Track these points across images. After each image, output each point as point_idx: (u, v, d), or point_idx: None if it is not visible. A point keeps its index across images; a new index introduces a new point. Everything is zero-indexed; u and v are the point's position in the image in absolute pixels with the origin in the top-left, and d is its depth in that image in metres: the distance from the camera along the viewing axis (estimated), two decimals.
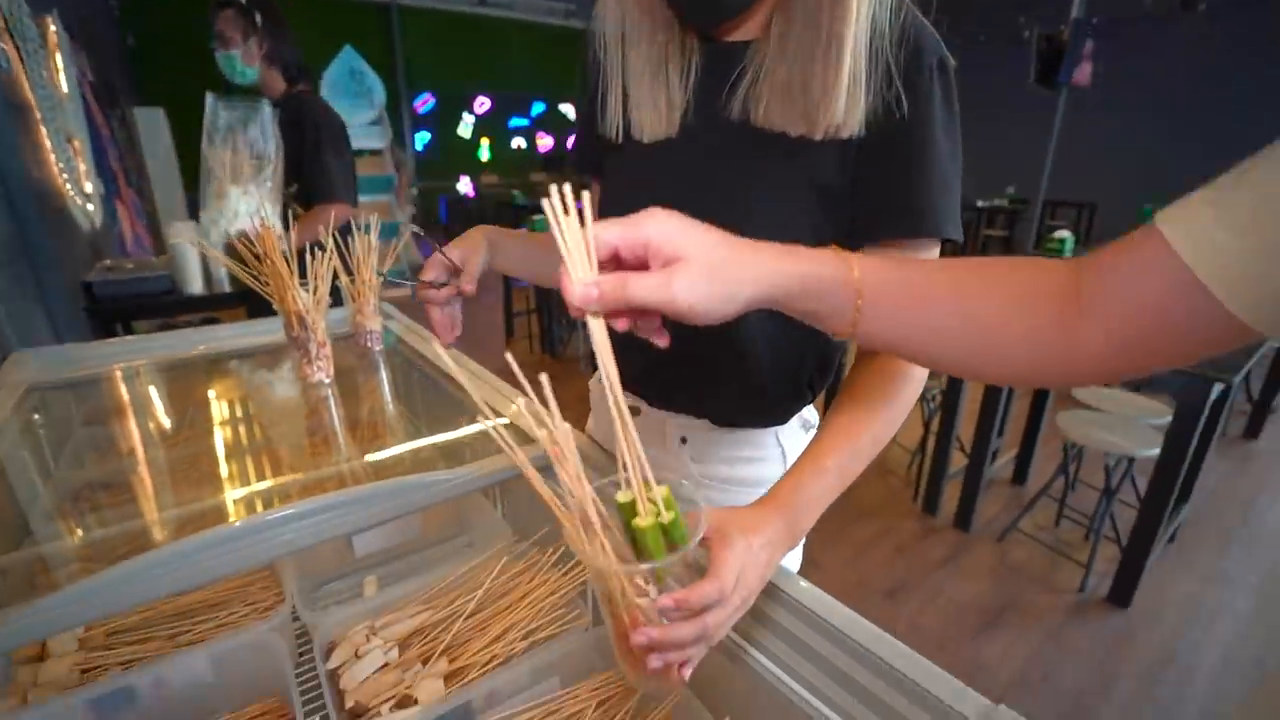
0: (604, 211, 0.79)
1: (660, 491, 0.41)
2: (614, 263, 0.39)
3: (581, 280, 0.37)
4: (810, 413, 0.79)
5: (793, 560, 0.81)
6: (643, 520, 0.40)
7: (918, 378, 0.62)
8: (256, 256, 1.04)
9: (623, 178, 0.74)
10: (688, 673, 0.45)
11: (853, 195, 0.60)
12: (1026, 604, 1.94)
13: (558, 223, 0.36)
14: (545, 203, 0.35)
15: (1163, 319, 0.35)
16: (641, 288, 0.36)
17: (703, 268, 0.37)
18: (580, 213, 0.36)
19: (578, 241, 0.36)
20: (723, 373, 0.72)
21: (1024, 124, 7.53)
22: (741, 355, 0.69)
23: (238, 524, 0.64)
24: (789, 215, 0.62)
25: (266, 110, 1.65)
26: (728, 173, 0.64)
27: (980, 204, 7.74)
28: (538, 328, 4.34)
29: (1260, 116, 7.21)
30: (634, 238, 0.37)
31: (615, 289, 0.36)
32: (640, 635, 0.41)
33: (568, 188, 0.36)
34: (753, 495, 0.75)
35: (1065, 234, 3.85)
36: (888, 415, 0.60)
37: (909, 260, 0.46)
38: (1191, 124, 7.53)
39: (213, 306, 2.25)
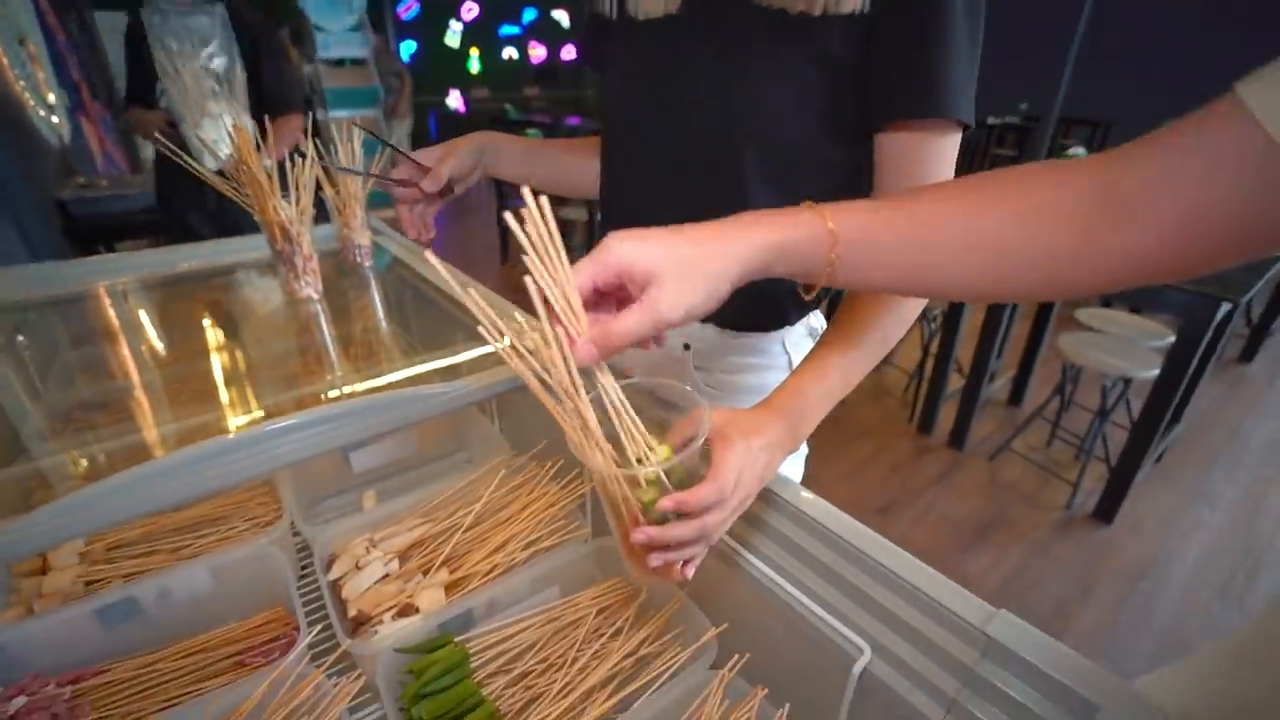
0: (605, 105, 0.75)
1: (660, 453, 0.42)
2: (595, 295, 0.40)
3: (577, 338, 0.39)
4: (817, 319, 0.77)
5: (795, 470, 0.81)
6: (645, 493, 0.41)
7: None
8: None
9: (619, 67, 0.69)
10: (691, 570, 0.45)
11: (865, 74, 0.56)
12: (1015, 520, 1.99)
13: (540, 274, 0.37)
14: (526, 245, 0.37)
15: (1235, 205, 0.31)
16: (627, 328, 0.37)
17: (677, 279, 0.38)
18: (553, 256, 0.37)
19: (562, 292, 0.38)
20: None
21: (1042, 34, 7.13)
22: None
23: (236, 435, 0.63)
24: (796, 98, 0.58)
25: (220, 17, 1.52)
26: (728, 54, 0.59)
27: (991, 120, 7.44)
28: None
29: None
30: (604, 274, 0.38)
31: (604, 340, 0.38)
32: (639, 534, 0.41)
33: (545, 203, 0.37)
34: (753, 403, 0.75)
35: (1079, 149, 3.72)
36: (897, 312, 0.57)
37: (906, 195, 0.43)
38: (1224, 36, 7.13)
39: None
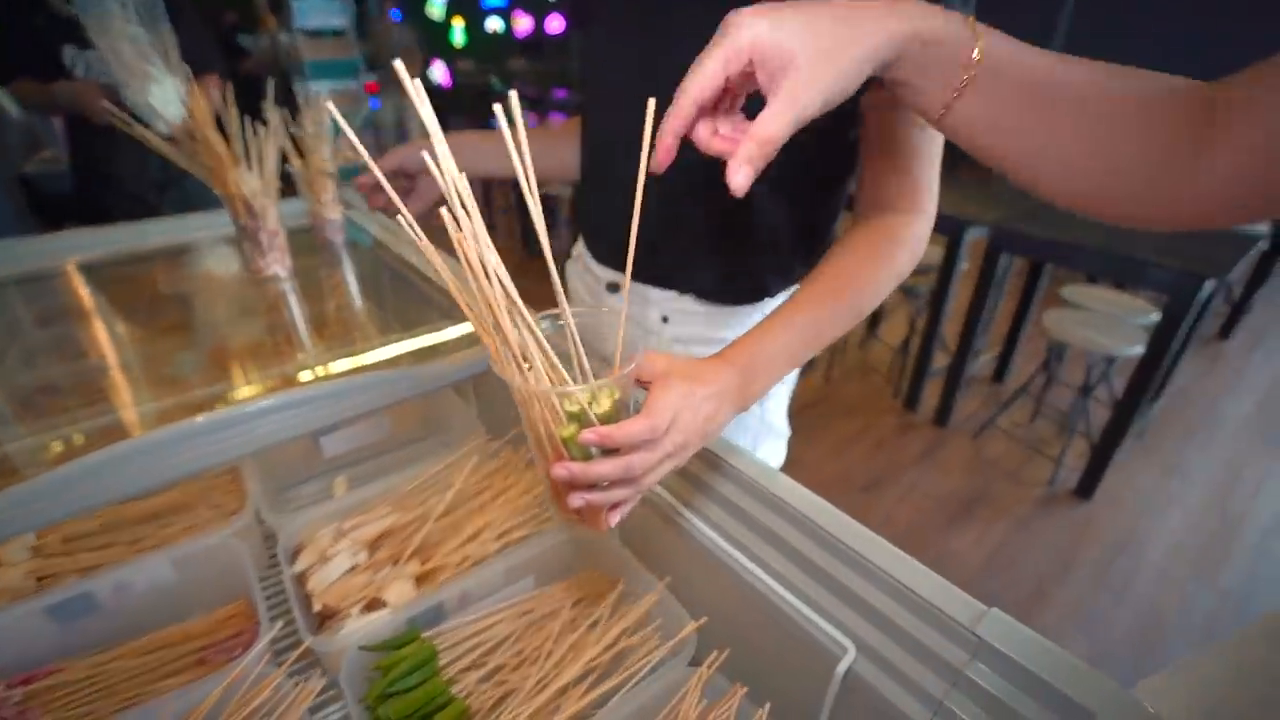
0: (585, 66, 0.71)
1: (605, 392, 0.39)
2: (722, 90, 0.37)
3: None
4: None
5: (775, 457, 0.80)
6: (566, 429, 0.38)
7: (914, 246, 0.57)
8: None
9: (603, 24, 0.66)
10: (616, 518, 0.43)
11: None
12: (998, 496, 2.01)
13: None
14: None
15: None
16: (774, 128, 0.34)
17: (816, 62, 0.34)
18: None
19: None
20: (707, 241, 0.67)
21: (1027, 14, 7.04)
22: (727, 221, 0.65)
23: (200, 420, 0.60)
24: None
25: None
26: (710, 4, 0.54)
27: None
28: (517, 225, 4.18)
29: None
30: (737, 59, 0.35)
31: (761, 145, 0.35)
32: (560, 468, 0.38)
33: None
34: None
35: None
36: (875, 277, 0.55)
37: (1034, 49, 0.39)
38: (1211, 29, 7.07)
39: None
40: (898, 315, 3.06)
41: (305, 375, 0.90)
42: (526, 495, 0.72)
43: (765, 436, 0.77)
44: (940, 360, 2.41)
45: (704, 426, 0.43)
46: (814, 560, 0.47)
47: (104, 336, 1.01)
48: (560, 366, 0.39)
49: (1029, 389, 2.28)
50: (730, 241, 0.67)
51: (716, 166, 0.58)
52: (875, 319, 2.99)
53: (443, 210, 0.34)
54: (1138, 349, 1.84)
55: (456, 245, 0.35)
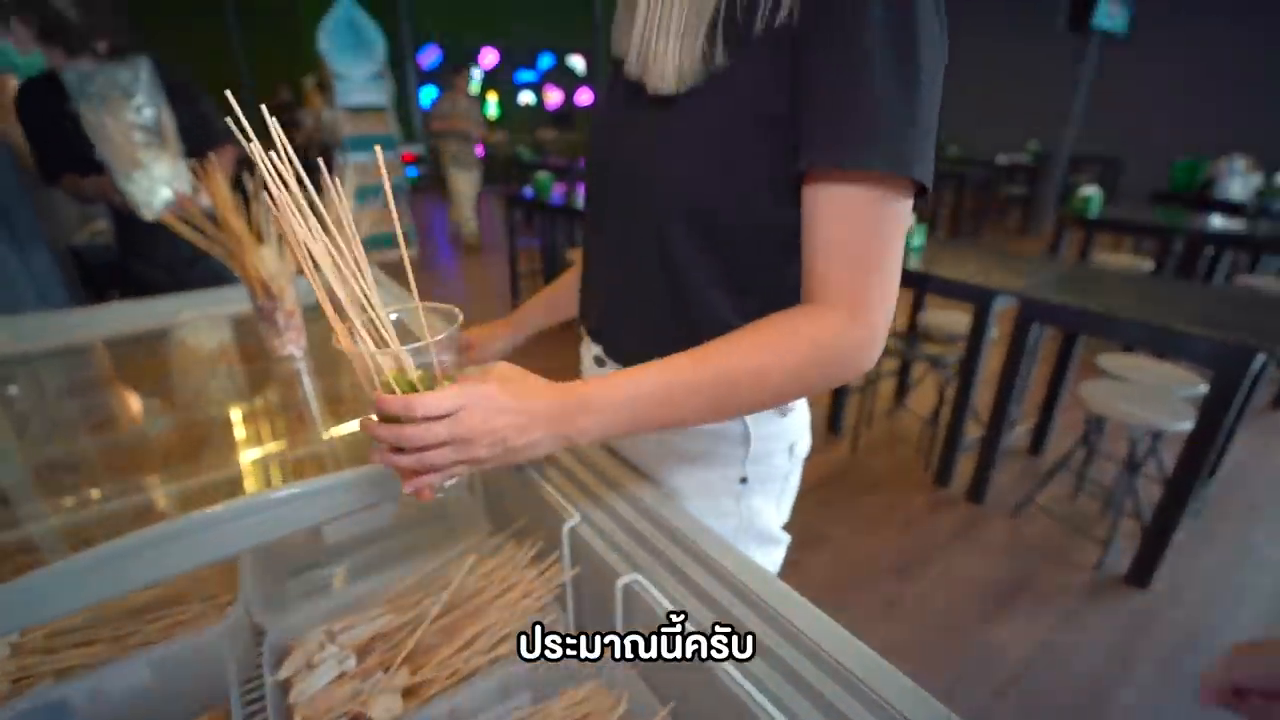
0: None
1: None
2: None
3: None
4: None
5: (771, 560, 0.75)
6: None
7: (822, 344, 0.50)
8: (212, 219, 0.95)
9: (600, 109, 0.68)
10: (409, 489, 0.47)
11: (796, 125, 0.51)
12: (1041, 582, 1.87)
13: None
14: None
15: None
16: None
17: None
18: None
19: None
20: (668, 327, 0.64)
21: (1050, 74, 7.18)
22: (685, 307, 0.62)
23: (194, 516, 0.58)
24: (721, 154, 0.54)
25: (145, 68, 1.50)
26: (663, 103, 0.55)
27: (1001, 160, 7.44)
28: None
29: None
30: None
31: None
32: (365, 420, 0.46)
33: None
34: (714, 474, 0.70)
35: (1092, 190, 3.66)
36: (751, 364, 0.50)
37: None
38: (1228, 78, 7.13)
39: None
40: (926, 384, 2.98)
41: (312, 461, 0.88)
42: (527, 598, 0.68)
43: (748, 542, 0.72)
44: (972, 431, 2.32)
45: (499, 434, 0.45)
46: (814, 685, 0.42)
47: (120, 414, 1.02)
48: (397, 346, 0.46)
49: (1069, 463, 2.16)
50: (688, 322, 0.63)
51: (655, 257, 0.61)
52: (903, 388, 2.92)
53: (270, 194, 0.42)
54: (1186, 424, 1.73)
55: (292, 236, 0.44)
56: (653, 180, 0.58)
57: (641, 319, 0.66)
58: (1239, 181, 4.27)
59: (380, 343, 0.46)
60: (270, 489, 0.63)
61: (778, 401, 0.55)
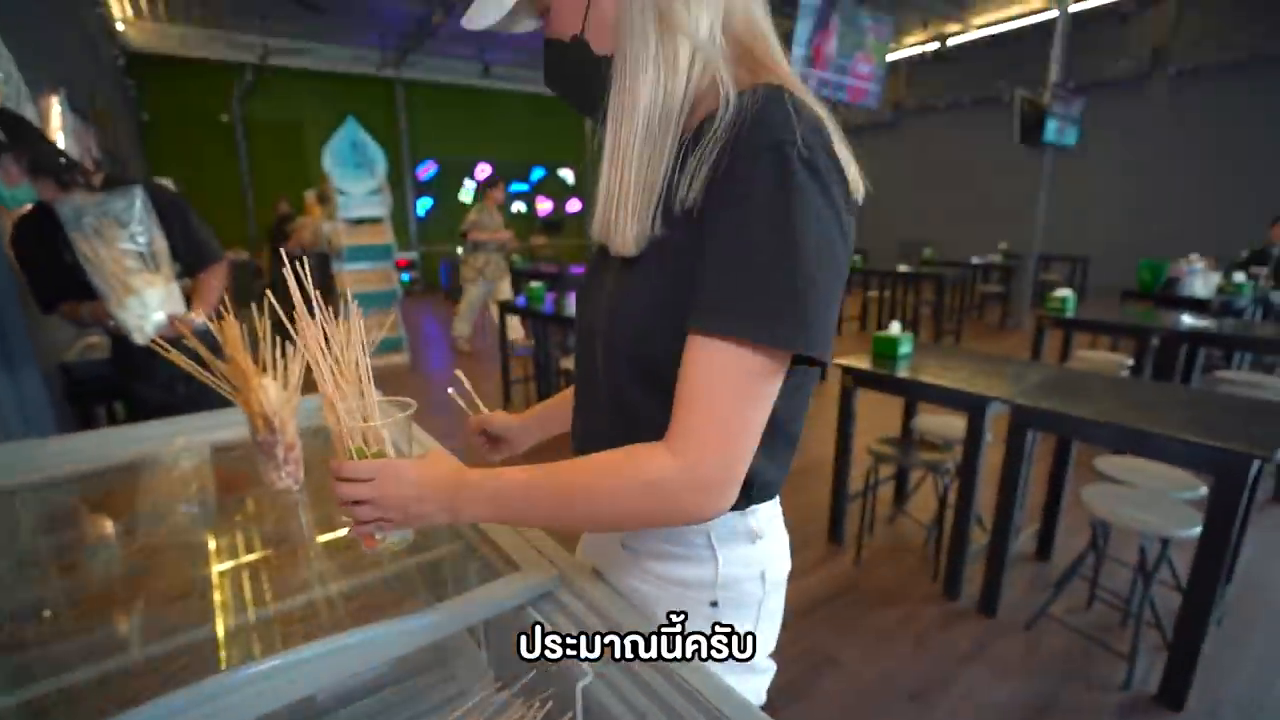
0: None
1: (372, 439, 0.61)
2: None
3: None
4: (756, 519, 0.69)
5: (754, 691, 0.73)
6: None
7: (643, 480, 0.54)
8: (213, 348, 0.95)
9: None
10: (358, 532, 0.62)
11: None
12: (1067, 705, 1.76)
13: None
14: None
15: None
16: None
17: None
18: None
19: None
20: (599, 426, 0.71)
21: (1014, 182, 7.70)
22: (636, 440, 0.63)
23: (175, 696, 0.53)
24: (660, 307, 0.59)
25: (139, 197, 1.57)
26: (626, 262, 0.62)
27: (975, 260, 7.81)
28: (535, 395, 4.25)
29: (1230, 168, 7.40)
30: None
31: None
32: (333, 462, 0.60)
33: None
34: (687, 594, 0.69)
35: (1066, 293, 3.82)
36: (590, 483, 0.57)
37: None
38: (1177, 183, 7.68)
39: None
40: (925, 489, 2.95)
41: (306, 608, 0.84)
42: None
43: (729, 668, 0.69)
44: (977, 536, 2.27)
45: (404, 504, 0.58)
46: None
47: (95, 560, 0.97)
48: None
49: (1079, 570, 2.11)
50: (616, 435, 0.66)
51: (604, 399, 0.69)
52: (901, 493, 2.88)
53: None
54: (1194, 530, 1.71)
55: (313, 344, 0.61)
56: (609, 332, 0.65)
57: (606, 447, 0.68)
58: (1200, 279, 4.50)
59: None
60: (273, 654, 0.59)
61: (615, 524, 0.62)
